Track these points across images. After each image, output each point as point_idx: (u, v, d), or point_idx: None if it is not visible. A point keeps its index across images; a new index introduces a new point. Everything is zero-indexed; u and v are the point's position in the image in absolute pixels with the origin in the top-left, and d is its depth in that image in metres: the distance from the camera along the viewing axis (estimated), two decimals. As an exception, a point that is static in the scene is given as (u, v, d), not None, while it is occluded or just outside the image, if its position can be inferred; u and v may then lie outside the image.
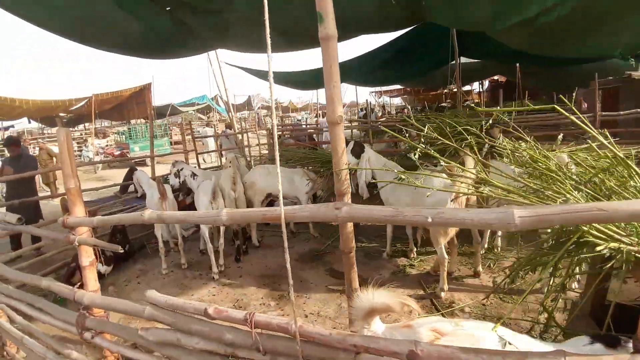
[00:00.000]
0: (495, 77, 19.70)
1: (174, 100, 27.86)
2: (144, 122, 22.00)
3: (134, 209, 6.62)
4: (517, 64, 11.92)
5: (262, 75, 10.15)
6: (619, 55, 6.18)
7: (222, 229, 5.02)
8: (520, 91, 12.67)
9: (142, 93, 20.00)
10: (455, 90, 25.43)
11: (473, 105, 20.42)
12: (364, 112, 22.71)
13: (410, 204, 4.26)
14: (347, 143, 6.65)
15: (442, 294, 4.02)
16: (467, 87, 24.11)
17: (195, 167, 7.17)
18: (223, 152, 10.42)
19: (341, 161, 2.05)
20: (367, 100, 12.11)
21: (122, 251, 2.66)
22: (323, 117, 22.16)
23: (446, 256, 3.99)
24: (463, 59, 11.23)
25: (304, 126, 16.78)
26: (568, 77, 12.27)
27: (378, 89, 22.31)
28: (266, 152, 10.11)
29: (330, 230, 6.31)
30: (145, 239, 6.32)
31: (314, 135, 12.13)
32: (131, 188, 6.27)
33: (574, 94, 13.17)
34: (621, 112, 8.09)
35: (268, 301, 4.27)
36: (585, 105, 15.24)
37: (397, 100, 28.84)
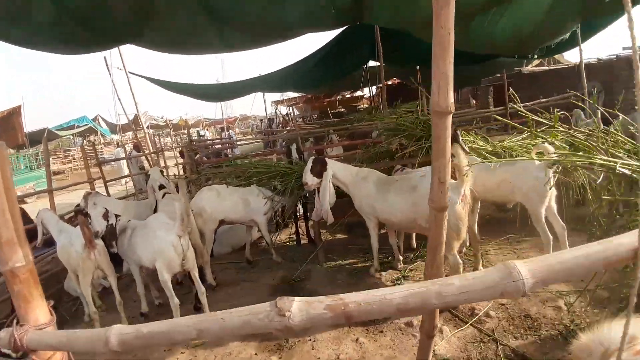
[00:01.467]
0: (389, 82, 20.73)
1: (50, 124, 24.23)
2: (12, 153, 18.20)
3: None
4: (418, 67, 12.54)
5: (172, 87, 8.85)
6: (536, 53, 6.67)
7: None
8: (421, 93, 13.32)
9: (11, 119, 16.49)
10: (348, 96, 26.26)
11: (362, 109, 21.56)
12: (267, 122, 22.16)
13: (409, 209, 3.80)
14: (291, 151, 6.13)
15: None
16: (358, 93, 25.16)
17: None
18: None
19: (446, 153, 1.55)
20: (276, 109, 11.62)
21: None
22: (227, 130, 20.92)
23: (460, 261, 3.61)
24: (372, 63, 11.40)
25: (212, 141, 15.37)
26: (461, 78, 13.21)
27: (279, 97, 21.87)
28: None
29: (294, 252, 5.58)
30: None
31: (227, 151, 11.15)
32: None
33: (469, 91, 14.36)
34: (527, 103, 8.83)
35: (265, 356, 3.39)
36: (474, 101, 16.79)
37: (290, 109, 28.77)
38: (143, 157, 9.81)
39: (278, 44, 6.28)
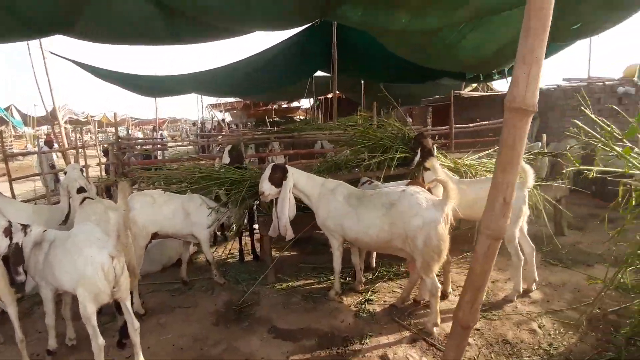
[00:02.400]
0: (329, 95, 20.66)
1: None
2: None
3: None
4: (362, 81, 12.46)
5: (99, 73, 7.67)
6: (495, 74, 6.79)
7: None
8: (363, 105, 13.25)
9: None
10: (285, 106, 25.93)
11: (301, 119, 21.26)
12: (201, 126, 20.90)
13: (385, 229, 3.39)
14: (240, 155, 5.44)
15: (435, 329, 3.29)
16: (295, 104, 24.90)
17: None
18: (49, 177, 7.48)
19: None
20: (210, 113, 10.85)
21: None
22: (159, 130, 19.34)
23: (439, 285, 3.28)
24: (319, 74, 11.11)
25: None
26: (403, 95, 13.33)
27: (215, 101, 20.72)
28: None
29: (238, 271, 4.92)
30: None
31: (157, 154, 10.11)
32: None
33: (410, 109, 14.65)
34: (470, 125, 9.06)
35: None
36: (410, 120, 17.24)
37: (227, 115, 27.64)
38: (55, 154, 8.48)
39: (226, 40, 5.71)
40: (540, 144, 6.76)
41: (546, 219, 4.54)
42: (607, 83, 8.47)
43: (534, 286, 3.99)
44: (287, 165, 3.95)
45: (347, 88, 14.61)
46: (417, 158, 4.29)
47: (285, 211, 3.83)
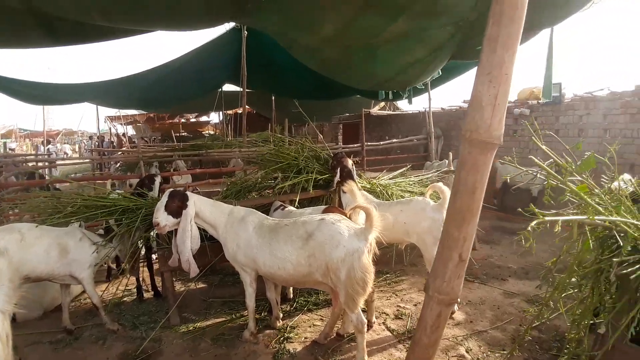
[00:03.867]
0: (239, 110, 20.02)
1: None
2: None
3: None
4: (273, 97, 12.18)
5: None
6: (404, 93, 6.94)
7: None
8: (274, 121, 12.98)
9: None
10: (193, 120, 24.65)
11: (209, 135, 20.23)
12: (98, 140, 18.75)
13: (303, 262, 3.06)
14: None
15: (364, 368, 3.02)
16: (204, 118, 23.78)
17: None
18: None
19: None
20: (110, 125, 9.73)
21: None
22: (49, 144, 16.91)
23: (365, 320, 3.02)
24: (229, 87, 10.61)
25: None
26: (315, 112, 13.33)
27: (115, 113, 18.70)
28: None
29: (136, 312, 4.23)
30: None
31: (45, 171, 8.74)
32: None
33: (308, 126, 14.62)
34: (381, 143, 9.25)
35: None
36: (321, 136, 17.37)
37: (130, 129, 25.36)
38: None
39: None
40: (447, 161, 7.05)
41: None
42: (503, 105, 9.20)
43: (456, 307, 3.97)
44: (187, 192, 3.44)
45: (258, 103, 14.22)
46: (336, 179, 4.07)
47: (187, 244, 3.32)
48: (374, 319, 3.72)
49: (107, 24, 4.36)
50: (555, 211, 2.58)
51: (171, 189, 3.49)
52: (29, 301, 3.99)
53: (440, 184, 3.87)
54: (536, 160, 2.07)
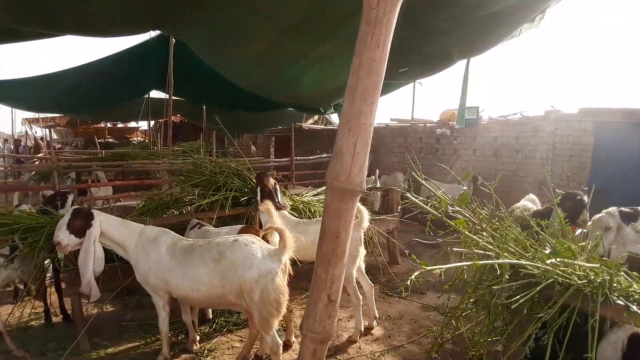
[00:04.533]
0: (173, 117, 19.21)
1: None
2: None
3: None
4: (204, 106, 11.88)
5: None
6: (324, 109, 7.11)
7: None
8: (205, 131, 12.62)
9: None
10: (120, 125, 23.25)
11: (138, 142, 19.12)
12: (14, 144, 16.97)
13: (217, 283, 3.00)
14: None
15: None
16: (132, 124, 22.54)
17: None
18: None
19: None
20: (27, 128, 8.93)
21: None
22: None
23: (280, 342, 3.02)
24: (158, 94, 10.20)
25: None
26: (247, 124, 13.21)
27: (33, 115, 16.97)
28: None
29: (44, 337, 3.89)
30: None
31: None
32: None
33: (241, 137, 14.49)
34: (310, 157, 9.36)
35: None
36: (254, 148, 17.23)
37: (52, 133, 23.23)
38: None
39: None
40: (373, 177, 7.30)
41: (380, 250, 4.80)
42: (427, 125, 9.77)
43: (374, 322, 4.09)
44: (93, 210, 3.26)
45: (189, 112, 13.82)
46: (258, 198, 4.04)
47: (89, 266, 3.13)
48: (292, 339, 3.72)
49: (18, 27, 4.03)
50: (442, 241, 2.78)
51: (75, 207, 3.30)
52: None
53: (357, 204, 3.99)
54: (413, 198, 2.24)
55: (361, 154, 1.03)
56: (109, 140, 20.77)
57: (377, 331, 4.07)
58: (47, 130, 19.11)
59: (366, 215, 3.85)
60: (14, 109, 14.64)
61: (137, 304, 4.71)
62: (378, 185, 7.07)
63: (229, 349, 3.72)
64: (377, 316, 4.18)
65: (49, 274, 4.36)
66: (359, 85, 1.08)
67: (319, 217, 4.67)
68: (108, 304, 4.44)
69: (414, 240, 4.27)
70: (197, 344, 3.69)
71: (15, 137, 17.69)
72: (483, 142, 8.61)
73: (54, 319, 4.31)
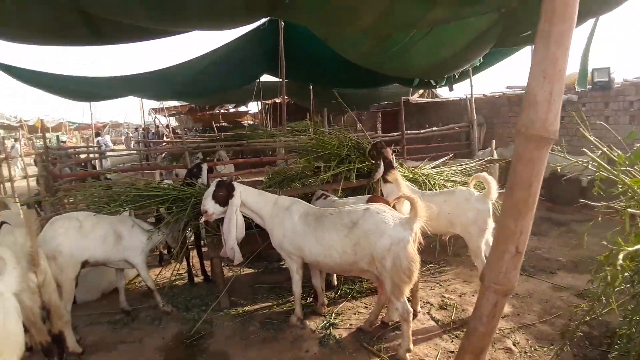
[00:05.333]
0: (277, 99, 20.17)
1: None
2: None
3: None
4: (311, 86, 12.20)
5: (19, 75, 6.61)
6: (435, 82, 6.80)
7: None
8: (312, 110, 12.99)
9: None
10: (232, 110, 25.03)
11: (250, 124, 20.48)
12: (144, 132, 19.58)
13: (349, 250, 3.11)
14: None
15: (408, 355, 3.07)
16: (242, 108, 24.11)
17: None
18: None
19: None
20: (154, 118, 10.11)
21: None
22: (98, 135, 17.83)
23: (411, 309, 3.06)
24: (267, 78, 10.73)
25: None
26: (352, 101, 13.21)
27: (158, 105, 19.43)
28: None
29: (188, 295, 4.46)
30: None
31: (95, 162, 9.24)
32: None
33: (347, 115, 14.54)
34: (421, 131, 9.11)
35: None
36: (360, 125, 17.27)
37: (173, 120, 26.19)
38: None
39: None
40: (490, 149, 6.86)
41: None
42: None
43: (501, 299, 3.91)
44: (234, 182, 3.57)
45: (294, 93, 14.31)
46: (380, 170, 4.05)
47: (232, 233, 3.46)
48: (419, 308, 3.74)
49: (149, 25, 4.51)
50: (605, 203, 2.50)
51: (219, 179, 3.63)
52: (87, 285, 4.34)
53: (484, 173, 3.79)
54: (587, 152, 2.00)
55: (557, 102, 0.97)
56: (223, 124, 22.53)
57: (505, 309, 3.86)
58: (171, 118, 21.48)
59: (494, 185, 3.63)
60: (142, 101, 16.65)
61: (266, 270, 5.13)
62: (495, 157, 6.61)
63: (354, 313, 3.87)
64: (505, 293, 3.97)
65: (191, 239, 4.95)
66: (553, 32, 1.01)
67: (439, 189, 4.56)
68: (241, 268, 4.91)
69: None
70: (326, 307, 3.91)
71: (145, 125, 20.23)
72: (617, 108, 7.47)
73: (196, 280, 4.90)
